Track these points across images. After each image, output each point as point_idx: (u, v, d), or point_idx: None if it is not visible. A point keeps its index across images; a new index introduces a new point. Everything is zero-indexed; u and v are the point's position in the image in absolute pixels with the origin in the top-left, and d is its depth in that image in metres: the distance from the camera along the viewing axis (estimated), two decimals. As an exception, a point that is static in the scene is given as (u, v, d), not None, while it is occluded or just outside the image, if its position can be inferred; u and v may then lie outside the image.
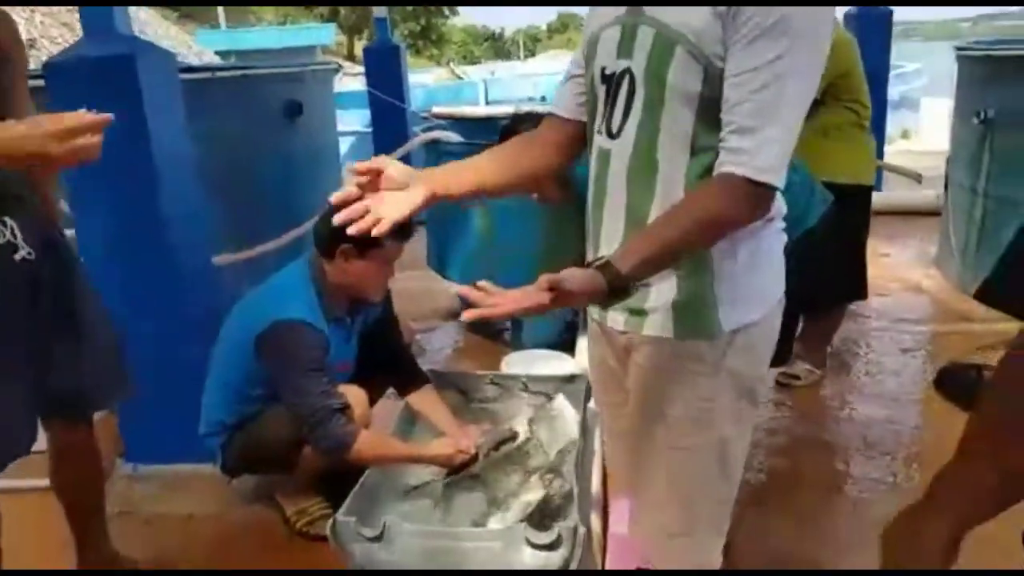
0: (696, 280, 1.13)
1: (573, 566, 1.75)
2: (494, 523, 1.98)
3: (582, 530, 1.74)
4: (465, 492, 2.17)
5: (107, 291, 1.85)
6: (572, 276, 1.00)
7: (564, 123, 1.31)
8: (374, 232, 1.14)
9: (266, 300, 2.08)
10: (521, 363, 3.28)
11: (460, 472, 2.14)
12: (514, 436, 2.28)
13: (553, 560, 1.76)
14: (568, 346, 3.33)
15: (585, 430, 2.38)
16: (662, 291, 1.15)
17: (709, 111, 1.05)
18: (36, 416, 1.65)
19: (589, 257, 1.24)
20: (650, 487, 1.29)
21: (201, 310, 2.47)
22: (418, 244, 3.19)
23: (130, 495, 2.38)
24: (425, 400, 2.36)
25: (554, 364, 3.27)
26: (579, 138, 1.30)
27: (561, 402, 2.51)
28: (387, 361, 2.37)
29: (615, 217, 1.19)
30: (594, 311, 1.31)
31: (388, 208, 1.16)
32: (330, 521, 1.79)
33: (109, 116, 1.28)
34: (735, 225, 1.05)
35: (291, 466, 2.15)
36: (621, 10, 1.14)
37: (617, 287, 1.02)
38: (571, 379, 2.62)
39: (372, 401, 2.45)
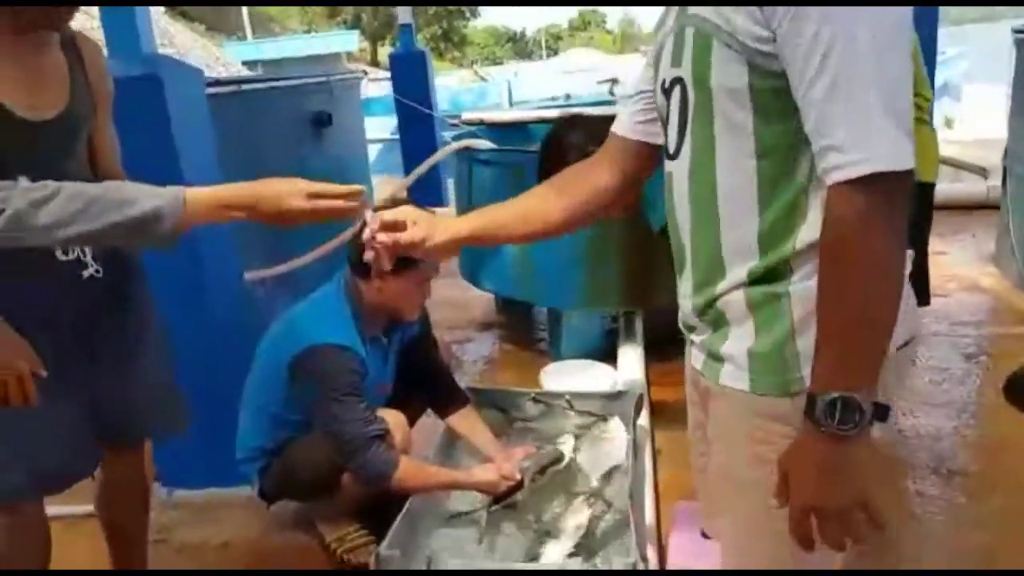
0: (773, 329, 0.96)
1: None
2: (546, 553, 1.86)
3: (640, 566, 1.62)
4: (511, 520, 2.06)
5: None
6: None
7: (624, 143, 1.18)
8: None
9: (301, 322, 1.99)
10: (560, 374, 3.16)
11: (505, 499, 2.03)
12: (560, 458, 2.17)
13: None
14: (609, 355, 3.21)
15: (635, 451, 2.25)
16: (739, 336, 1.00)
17: (768, 104, 0.90)
18: (96, 437, 1.59)
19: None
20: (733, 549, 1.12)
21: (232, 328, 2.39)
22: (453, 255, 3.11)
23: (164, 522, 2.31)
24: (465, 421, 2.26)
25: (595, 374, 3.15)
26: (644, 158, 1.17)
27: (612, 423, 2.40)
28: (425, 381, 2.27)
29: (681, 252, 1.07)
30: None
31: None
32: (373, 554, 1.70)
33: (362, 188, 1.26)
34: (874, 239, 0.82)
35: (331, 492, 2.06)
36: (677, 12, 1.01)
37: (826, 415, 0.85)
38: (617, 396, 2.49)
39: (411, 421, 2.37)
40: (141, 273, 1.67)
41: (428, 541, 1.93)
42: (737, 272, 0.98)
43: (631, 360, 3.10)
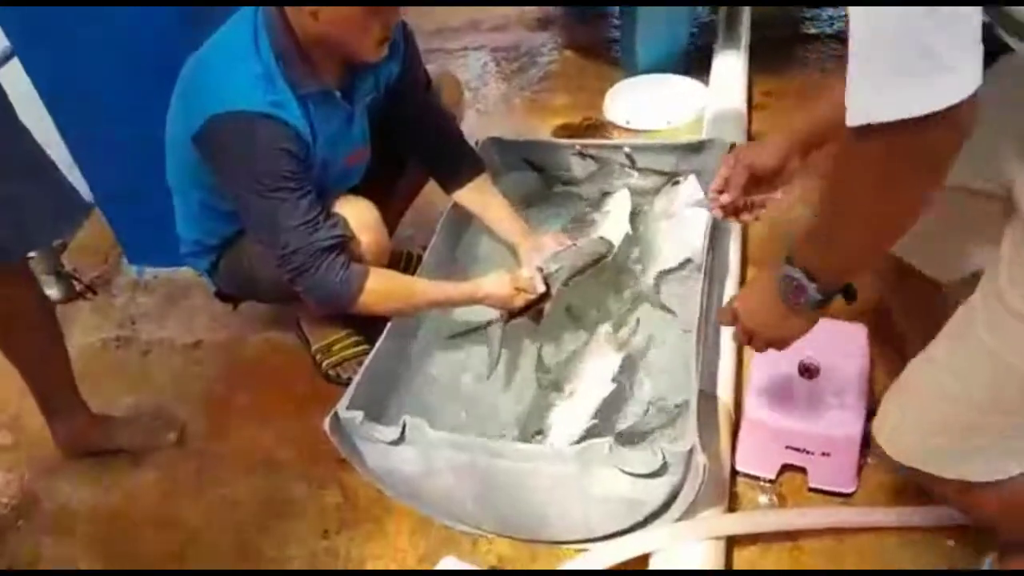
0: None
1: (686, 501, 1.15)
2: (553, 424, 1.34)
3: (698, 460, 1.09)
4: (529, 347, 1.53)
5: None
6: None
7: None
8: None
9: (199, 77, 1.31)
10: (633, 93, 2.41)
11: (526, 312, 1.48)
12: (604, 255, 1.56)
13: (655, 493, 1.15)
14: (699, 67, 2.39)
15: (714, 244, 1.60)
16: None
17: None
18: None
19: None
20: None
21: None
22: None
23: (130, 312, 1.93)
24: (478, 196, 1.64)
25: (679, 93, 2.39)
26: None
27: (688, 185, 1.71)
28: (418, 142, 1.61)
29: None
30: None
31: None
32: (328, 416, 1.24)
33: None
34: (856, 185, 0.76)
35: (295, 298, 1.56)
36: None
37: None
38: (699, 147, 1.77)
39: (399, 208, 1.77)
40: None
41: (409, 388, 1.44)
42: None
43: (730, 72, 2.32)
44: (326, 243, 1.29)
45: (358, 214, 1.40)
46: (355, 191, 1.51)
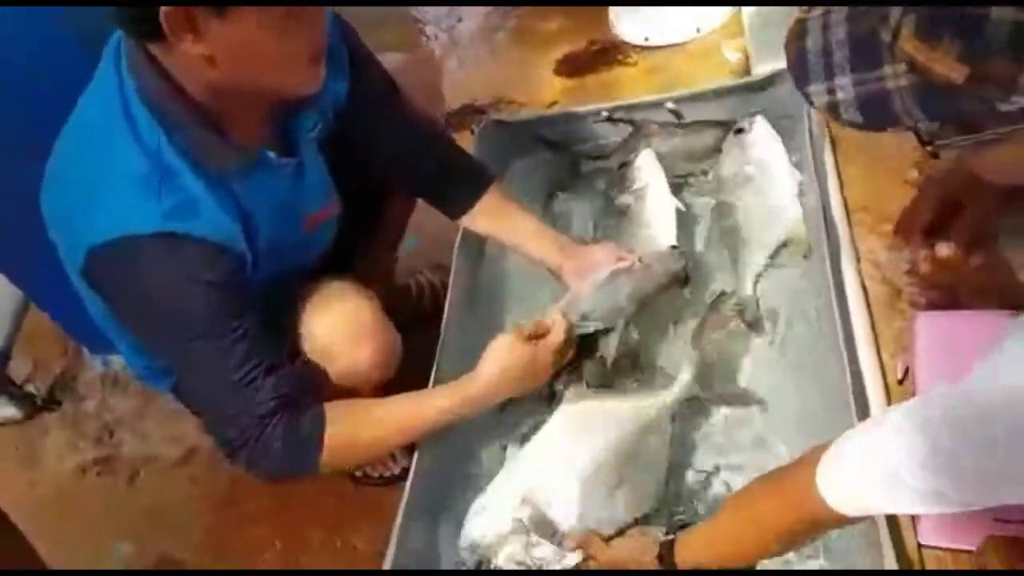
0: None
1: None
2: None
3: None
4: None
5: None
6: None
7: None
8: None
9: (64, 188, 0.90)
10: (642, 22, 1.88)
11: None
12: (680, 270, 1.16)
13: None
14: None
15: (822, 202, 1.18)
16: None
17: None
18: None
19: None
20: None
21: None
22: None
23: (105, 421, 1.59)
24: (494, 218, 1.22)
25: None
26: None
27: (757, 130, 1.28)
28: (400, 168, 1.19)
29: None
30: None
31: None
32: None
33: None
34: None
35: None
36: None
37: None
38: (765, 84, 1.32)
39: (392, 245, 1.37)
40: None
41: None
42: None
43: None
44: (271, 404, 0.91)
45: (347, 319, 1.01)
46: (334, 253, 1.13)
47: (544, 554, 0.94)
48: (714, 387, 1.08)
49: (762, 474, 0.81)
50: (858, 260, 1.18)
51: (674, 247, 1.17)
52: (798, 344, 1.12)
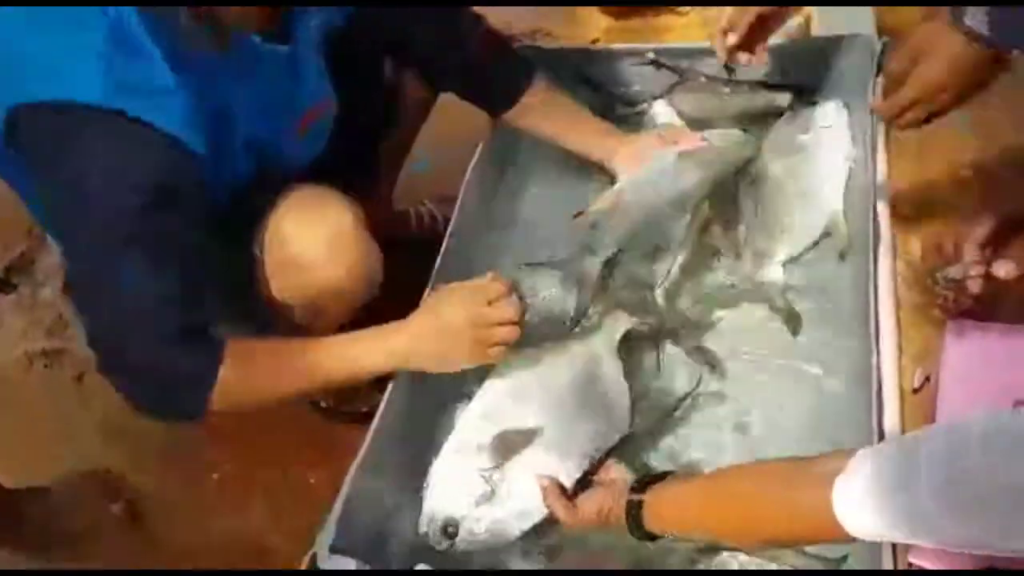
0: None
1: None
2: None
3: None
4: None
5: None
6: None
7: None
8: None
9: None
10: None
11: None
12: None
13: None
14: None
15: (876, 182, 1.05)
16: None
17: None
18: None
19: None
20: None
21: None
22: None
23: (60, 312, 1.47)
24: (540, 106, 1.11)
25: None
26: None
27: (827, 114, 1.16)
28: (437, 66, 1.09)
29: None
30: None
31: None
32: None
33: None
34: None
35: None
36: None
37: None
38: (832, 46, 1.18)
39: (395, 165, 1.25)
40: None
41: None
42: None
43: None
44: (174, 330, 0.78)
45: (325, 224, 0.89)
46: (324, 167, 1.00)
47: (503, 515, 0.86)
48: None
49: (750, 465, 0.75)
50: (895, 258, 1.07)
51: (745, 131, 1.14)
52: (819, 339, 1.02)
